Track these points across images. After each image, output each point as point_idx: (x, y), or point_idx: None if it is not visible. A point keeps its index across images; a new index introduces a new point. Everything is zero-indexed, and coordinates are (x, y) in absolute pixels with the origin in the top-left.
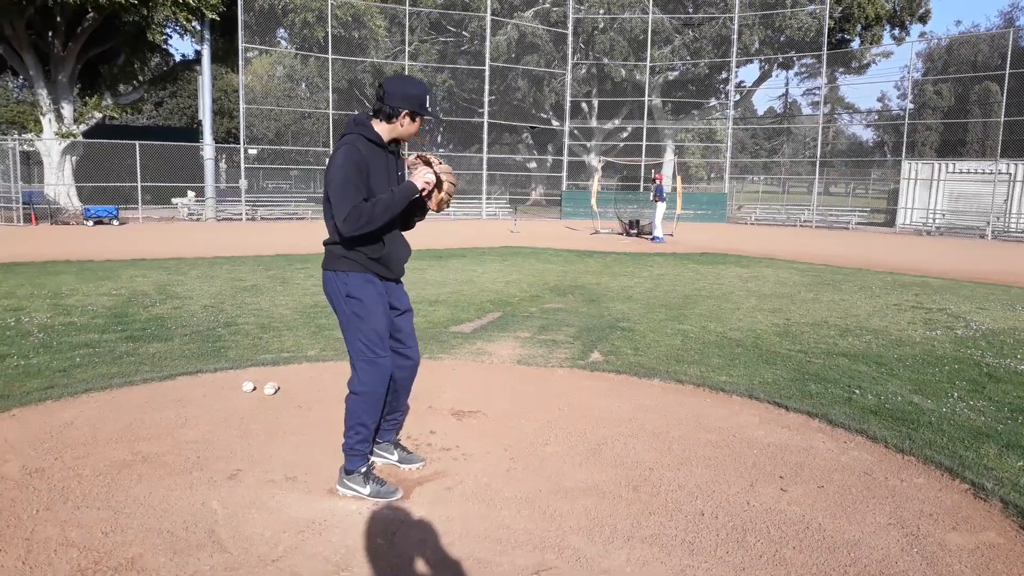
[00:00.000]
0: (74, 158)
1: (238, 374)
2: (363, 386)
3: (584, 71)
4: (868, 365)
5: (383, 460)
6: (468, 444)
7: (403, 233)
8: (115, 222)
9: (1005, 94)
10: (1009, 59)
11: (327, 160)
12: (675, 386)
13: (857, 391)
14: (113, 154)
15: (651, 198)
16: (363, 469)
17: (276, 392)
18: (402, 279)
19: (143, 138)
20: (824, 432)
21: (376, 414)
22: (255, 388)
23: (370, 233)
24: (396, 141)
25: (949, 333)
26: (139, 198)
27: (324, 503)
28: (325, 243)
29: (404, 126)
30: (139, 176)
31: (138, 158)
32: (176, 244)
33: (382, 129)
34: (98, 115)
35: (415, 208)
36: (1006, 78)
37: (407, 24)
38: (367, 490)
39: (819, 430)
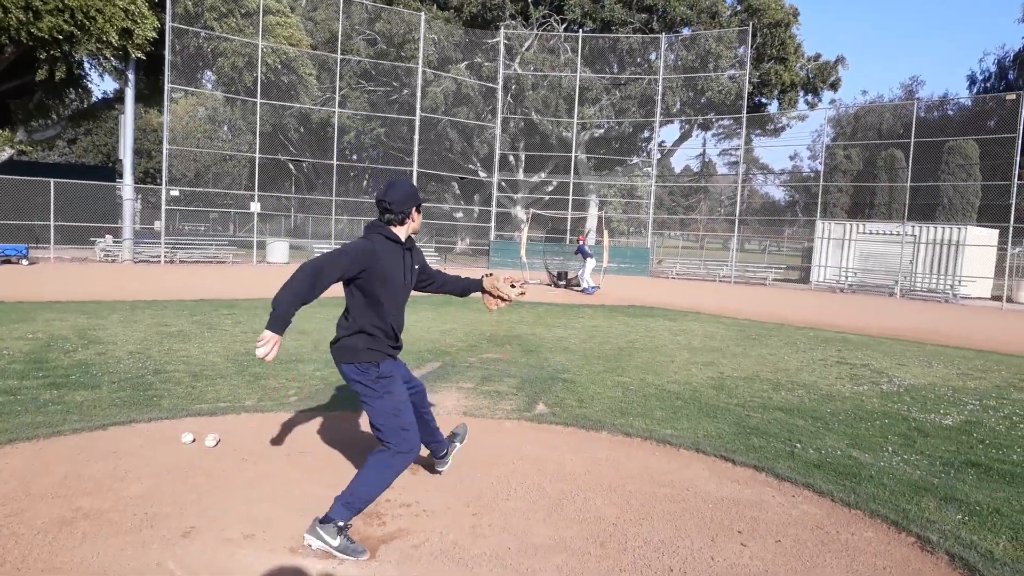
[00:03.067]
0: None
1: (174, 424)
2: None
3: (513, 125)
4: (804, 419)
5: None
6: (427, 499)
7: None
8: (24, 261)
9: (911, 161)
10: (914, 129)
11: None
12: (623, 439)
13: (798, 445)
14: (24, 191)
15: (575, 252)
16: (341, 523)
17: (217, 444)
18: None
19: (55, 175)
20: (772, 486)
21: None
22: (195, 440)
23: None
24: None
25: (875, 388)
26: (51, 237)
27: (287, 561)
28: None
29: (415, 221)
30: (52, 215)
31: (52, 196)
32: (93, 286)
33: (401, 231)
34: (9, 151)
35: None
36: (911, 147)
37: (338, 71)
38: (336, 543)
39: (767, 484)
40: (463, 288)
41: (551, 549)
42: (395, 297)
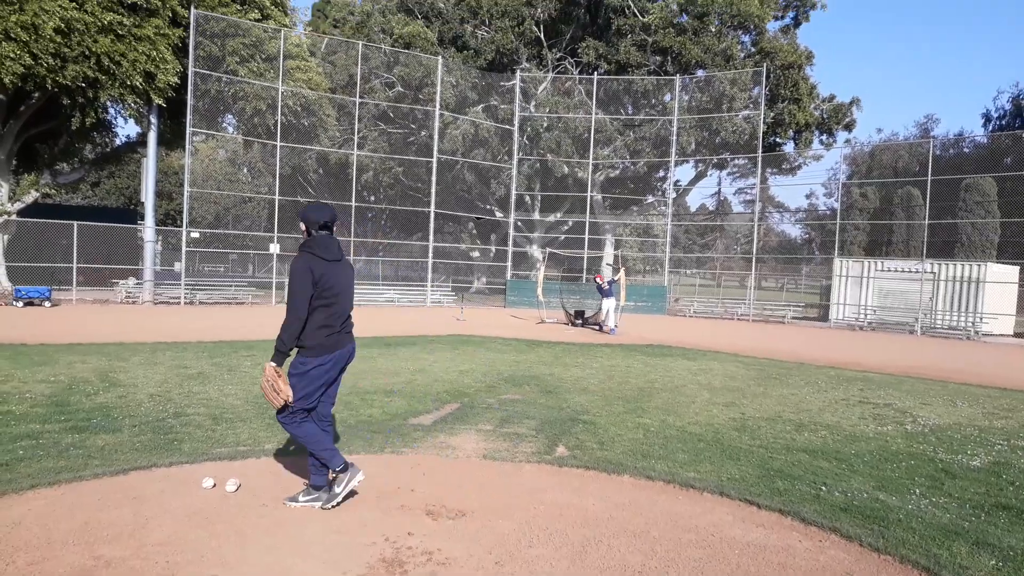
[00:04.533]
0: (6, 236)
1: (195, 469)
2: None
3: (528, 166)
4: (828, 461)
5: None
6: (449, 547)
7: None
8: (47, 303)
9: (928, 199)
10: (930, 167)
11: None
12: (645, 483)
13: (823, 488)
14: (48, 233)
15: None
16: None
17: (238, 489)
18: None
19: (78, 218)
20: (798, 531)
21: None
22: (215, 484)
23: None
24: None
25: (899, 428)
26: (73, 279)
27: None
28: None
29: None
30: (75, 257)
31: (75, 238)
32: (114, 328)
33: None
34: (35, 194)
35: None
36: (928, 184)
37: (356, 113)
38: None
39: (793, 528)
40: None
41: None
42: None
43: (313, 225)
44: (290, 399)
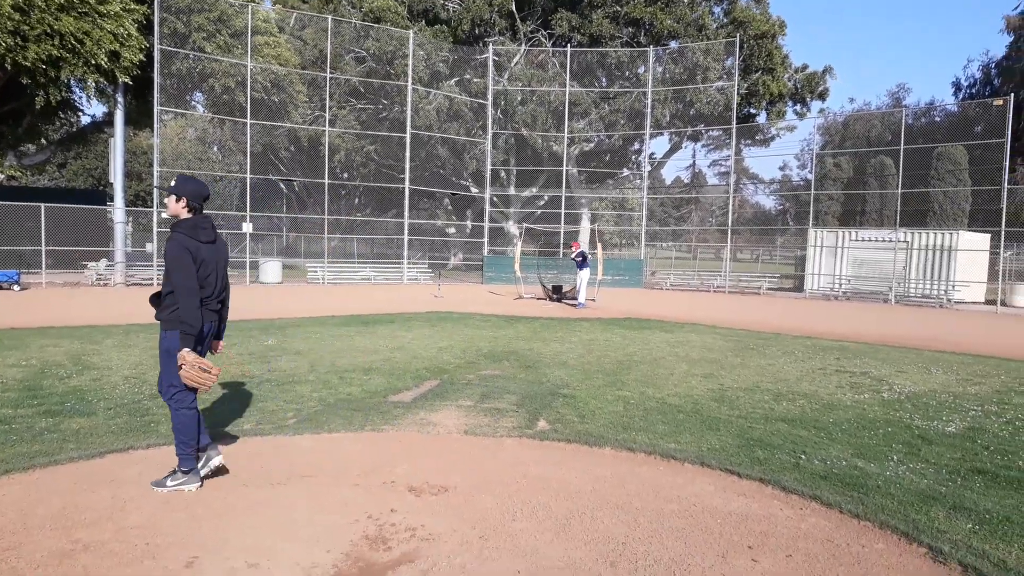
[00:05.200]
0: None
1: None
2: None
3: (503, 141)
4: (807, 430)
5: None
6: (432, 523)
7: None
8: (16, 287)
9: (901, 168)
10: (903, 136)
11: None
12: (626, 454)
13: (803, 456)
14: (14, 216)
15: (572, 259)
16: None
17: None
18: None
19: (45, 200)
20: (779, 499)
21: None
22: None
23: None
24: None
25: (876, 396)
26: (43, 262)
27: None
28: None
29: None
30: (44, 239)
31: (43, 221)
32: (85, 311)
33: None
34: (0, 176)
35: None
36: (900, 153)
37: (328, 90)
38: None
39: (774, 497)
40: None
41: (561, 571)
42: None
43: (197, 200)
44: (218, 372)
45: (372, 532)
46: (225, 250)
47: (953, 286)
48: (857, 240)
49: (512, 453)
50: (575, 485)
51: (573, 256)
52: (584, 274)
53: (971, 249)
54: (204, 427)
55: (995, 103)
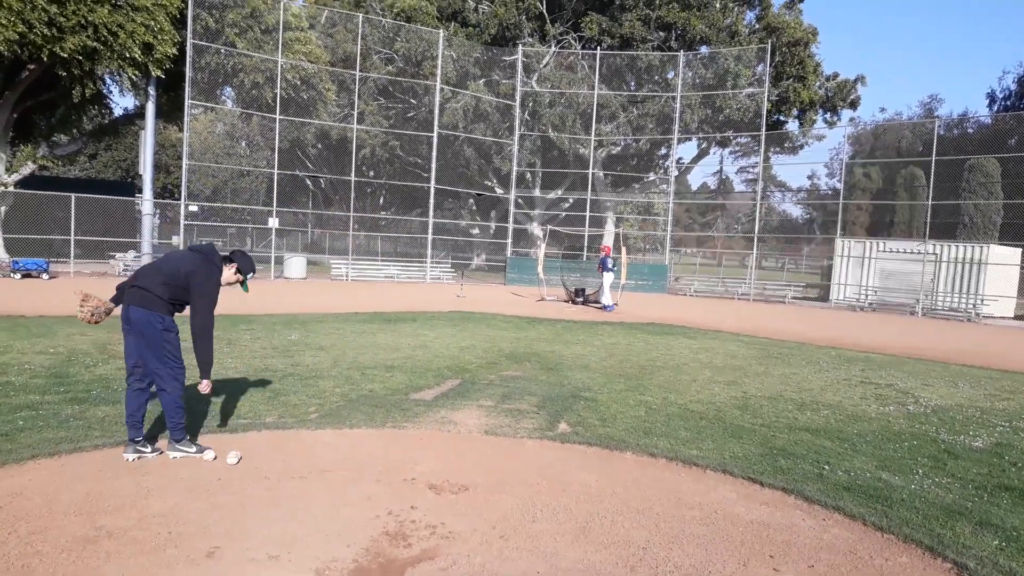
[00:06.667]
0: (3, 208)
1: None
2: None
3: (530, 142)
4: (831, 440)
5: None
6: (453, 521)
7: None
8: (45, 276)
9: (931, 179)
10: (935, 148)
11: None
12: (648, 459)
13: (826, 467)
14: (45, 205)
15: (596, 269)
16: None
17: (239, 462)
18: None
19: (75, 190)
20: (802, 509)
21: None
22: (216, 457)
23: None
24: None
25: (901, 409)
26: (71, 252)
27: None
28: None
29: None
30: (73, 229)
31: (73, 211)
32: None
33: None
34: (32, 166)
35: None
36: (932, 165)
37: (356, 88)
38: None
39: (796, 507)
40: None
41: (581, 574)
42: None
43: (247, 273)
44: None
45: (392, 528)
46: (187, 263)
47: (982, 300)
48: (885, 251)
49: (532, 454)
50: (595, 488)
51: (602, 259)
52: (608, 276)
53: (1002, 263)
54: (141, 420)
55: None
